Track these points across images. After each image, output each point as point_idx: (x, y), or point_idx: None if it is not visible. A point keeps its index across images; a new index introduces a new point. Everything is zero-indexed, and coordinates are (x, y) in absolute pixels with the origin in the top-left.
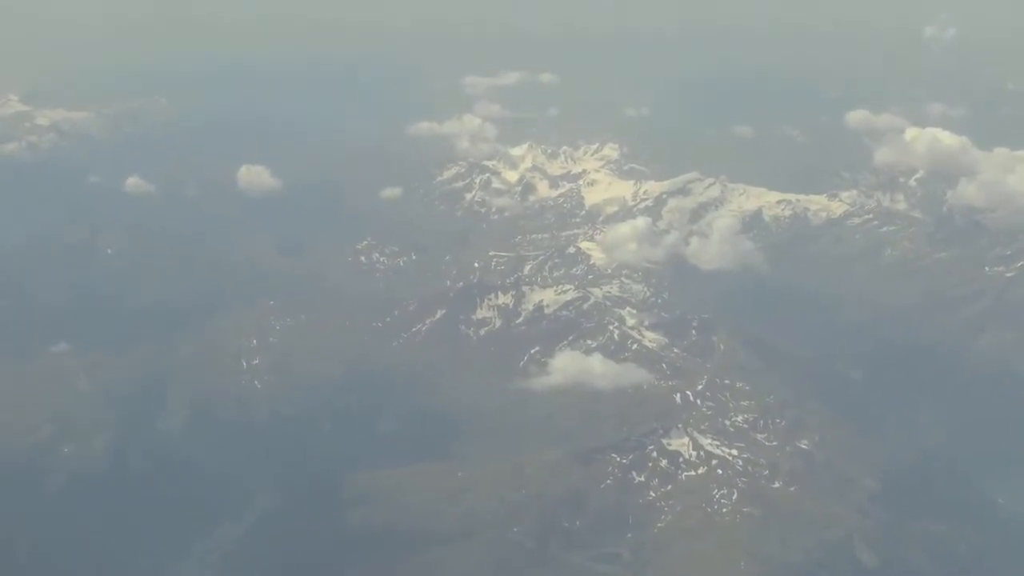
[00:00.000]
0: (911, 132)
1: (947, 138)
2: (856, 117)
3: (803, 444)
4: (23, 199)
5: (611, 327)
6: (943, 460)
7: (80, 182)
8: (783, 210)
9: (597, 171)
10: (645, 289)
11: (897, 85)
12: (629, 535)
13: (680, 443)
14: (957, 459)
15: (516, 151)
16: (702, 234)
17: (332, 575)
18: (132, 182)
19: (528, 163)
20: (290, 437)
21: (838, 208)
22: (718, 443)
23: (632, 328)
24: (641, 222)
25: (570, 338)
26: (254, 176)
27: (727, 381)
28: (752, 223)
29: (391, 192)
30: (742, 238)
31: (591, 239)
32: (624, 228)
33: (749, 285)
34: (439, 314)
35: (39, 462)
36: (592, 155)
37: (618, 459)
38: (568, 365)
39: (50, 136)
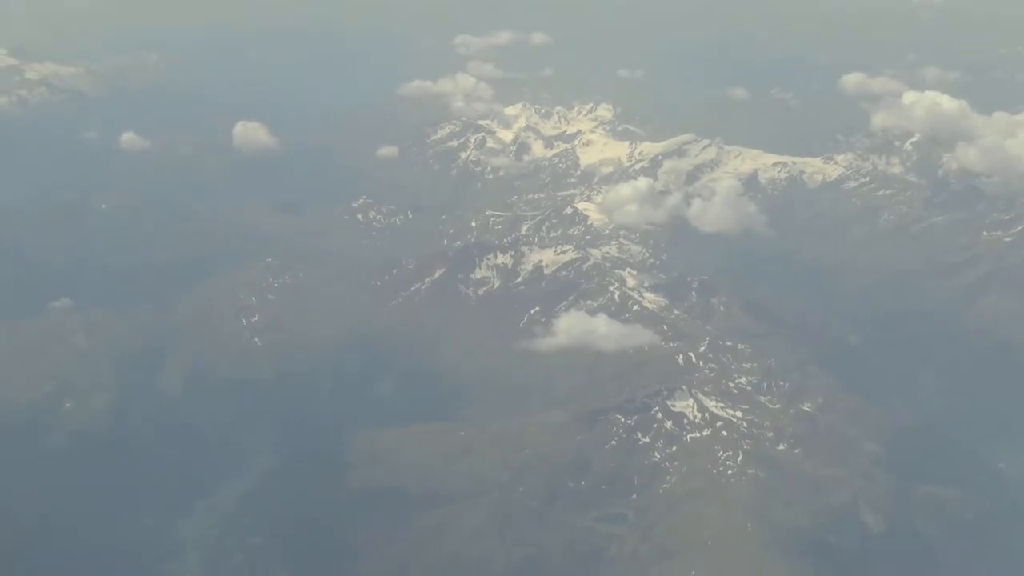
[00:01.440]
0: (909, 96)
1: (946, 102)
2: (851, 81)
3: (806, 407)
4: (15, 155)
5: (611, 288)
6: (943, 425)
7: (73, 138)
8: (779, 172)
9: (592, 131)
10: (644, 250)
11: (890, 50)
12: (634, 496)
13: (685, 405)
14: (957, 424)
15: (510, 111)
16: (702, 196)
17: (336, 535)
18: (127, 138)
19: (522, 123)
20: (290, 396)
21: (834, 171)
22: (722, 405)
23: (632, 289)
24: (642, 183)
25: (570, 298)
26: (250, 133)
27: (728, 343)
28: (748, 185)
29: (386, 151)
30: (744, 200)
31: (588, 199)
32: (625, 189)
33: (747, 248)
34: (438, 273)
35: (40, 419)
36: (586, 116)
37: (622, 420)
38: (573, 326)
39: (40, 91)
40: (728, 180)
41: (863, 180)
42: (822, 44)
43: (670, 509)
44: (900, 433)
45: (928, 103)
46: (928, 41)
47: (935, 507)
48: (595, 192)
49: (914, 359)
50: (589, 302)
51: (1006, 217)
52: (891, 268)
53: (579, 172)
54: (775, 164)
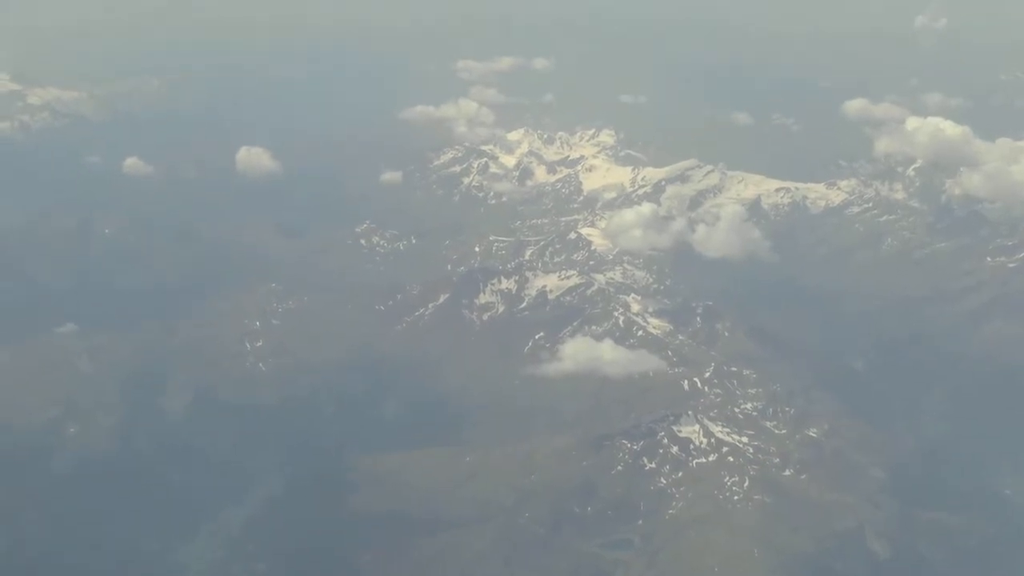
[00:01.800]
0: (913, 121)
1: (949, 128)
2: (854, 106)
3: (812, 433)
4: (18, 179)
5: (616, 313)
6: (948, 451)
7: (76, 163)
8: (782, 198)
9: (594, 157)
10: (647, 276)
11: (891, 75)
12: (640, 522)
13: (690, 430)
14: (962, 450)
15: (512, 136)
16: (705, 221)
17: (340, 559)
18: (130, 163)
19: (524, 148)
20: (294, 421)
21: (837, 197)
22: (728, 430)
23: (637, 315)
24: (647, 208)
25: (575, 324)
26: (253, 158)
27: (734, 369)
28: (751, 211)
29: (389, 176)
30: (748, 225)
31: (591, 225)
32: (629, 214)
33: (750, 273)
34: (442, 298)
35: (45, 442)
36: (588, 141)
37: (628, 445)
38: (579, 351)
39: (43, 116)
40: (732, 206)
41: (866, 206)
42: (823, 68)
43: (676, 535)
44: (905, 459)
45: (931, 129)
46: (930, 66)
47: (940, 533)
48: (598, 217)
49: (918, 384)
50: (594, 327)
51: (1010, 243)
52: (894, 294)
53: (582, 197)
54: (778, 189)
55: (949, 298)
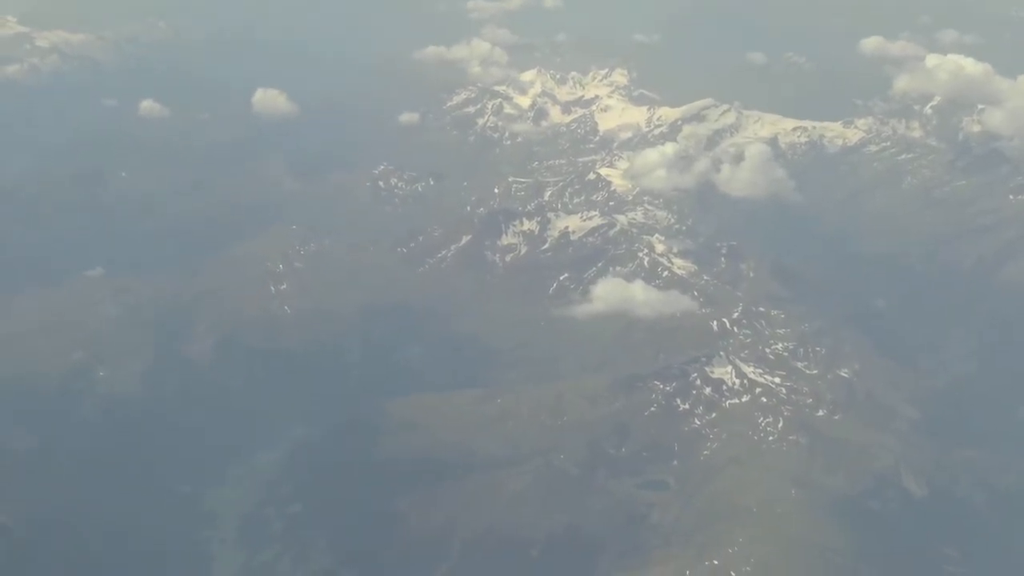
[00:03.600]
0: (933, 59)
1: (970, 65)
2: (870, 44)
3: (843, 373)
4: (30, 122)
5: (640, 254)
6: (976, 388)
7: (89, 106)
8: (799, 137)
9: (609, 97)
10: (669, 216)
11: (904, 12)
12: (675, 463)
13: (723, 371)
14: (989, 387)
15: (525, 76)
16: (728, 160)
17: (375, 502)
18: (146, 106)
19: (538, 88)
20: (320, 364)
21: (854, 136)
22: (760, 371)
23: (661, 255)
24: (670, 148)
25: (599, 265)
26: (269, 100)
27: (761, 309)
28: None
29: (404, 117)
30: (774, 165)
31: (610, 165)
32: (652, 154)
33: (770, 212)
34: (464, 240)
35: (73, 386)
36: (601, 81)
37: (661, 387)
38: (610, 292)
39: (52, 59)
40: (757, 144)
41: (884, 144)
42: (834, 5)
43: (712, 475)
44: (935, 397)
45: (952, 67)
46: (944, 3)
47: (975, 472)
48: (616, 157)
49: (942, 322)
50: (619, 268)
51: None
52: (916, 232)
53: (598, 138)
54: (795, 129)
55: (971, 235)
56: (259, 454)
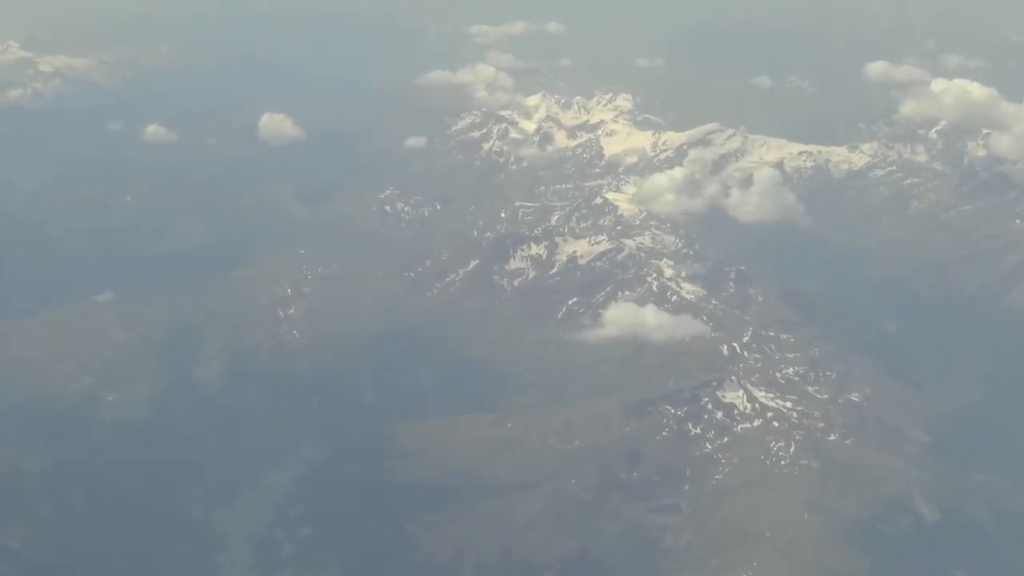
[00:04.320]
0: (938, 83)
1: (976, 89)
2: (875, 68)
3: (854, 397)
4: (35, 147)
5: (649, 278)
6: (985, 413)
7: (94, 130)
8: (804, 161)
9: (613, 121)
10: (676, 240)
11: (908, 36)
12: (687, 487)
13: (734, 395)
14: (998, 412)
15: (530, 101)
16: (736, 185)
17: (386, 526)
18: (152, 130)
19: (542, 113)
20: (330, 387)
21: (859, 160)
22: (771, 395)
23: (670, 279)
24: (678, 172)
25: (608, 289)
26: (275, 125)
27: (771, 333)
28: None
29: (410, 142)
30: (783, 189)
31: (616, 189)
32: (660, 179)
33: (778, 237)
34: (472, 264)
35: (82, 411)
36: (605, 105)
37: (672, 411)
38: (623, 316)
39: (55, 83)
40: (767, 169)
41: (890, 168)
42: (840, 27)
43: (724, 500)
44: (945, 421)
45: (957, 91)
46: (945, 26)
47: (987, 496)
48: (623, 182)
49: (950, 347)
50: (627, 292)
51: None
52: (923, 256)
53: (603, 162)
54: (800, 153)
55: (978, 260)
56: (269, 478)
